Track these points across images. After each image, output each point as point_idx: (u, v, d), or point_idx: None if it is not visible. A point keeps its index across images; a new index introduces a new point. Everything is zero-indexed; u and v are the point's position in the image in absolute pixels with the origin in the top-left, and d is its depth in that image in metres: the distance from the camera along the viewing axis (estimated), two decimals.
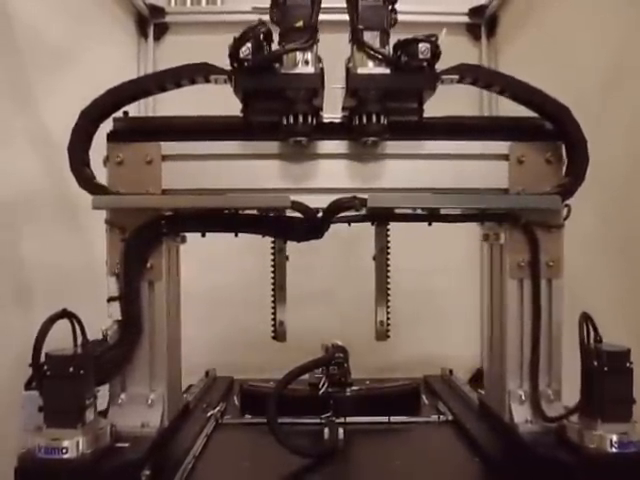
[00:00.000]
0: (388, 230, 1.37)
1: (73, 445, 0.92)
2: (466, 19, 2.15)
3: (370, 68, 1.08)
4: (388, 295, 1.38)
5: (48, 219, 1.49)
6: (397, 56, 1.07)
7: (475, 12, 2.15)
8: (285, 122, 1.10)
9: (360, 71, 1.08)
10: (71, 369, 0.93)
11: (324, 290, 2.03)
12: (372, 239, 1.38)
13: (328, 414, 1.29)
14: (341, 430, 1.21)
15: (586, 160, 1.12)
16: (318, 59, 1.09)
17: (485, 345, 1.42)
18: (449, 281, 2.09)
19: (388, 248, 1.38)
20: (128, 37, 2.08)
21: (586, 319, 1.01)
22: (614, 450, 0.94)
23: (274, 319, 1.39)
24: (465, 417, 1.32)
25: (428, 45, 1.04)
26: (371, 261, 1.39)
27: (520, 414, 1.13)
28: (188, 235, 1.27)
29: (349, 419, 1.29)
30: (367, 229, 1.35)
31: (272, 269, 1.39)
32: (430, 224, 1.21)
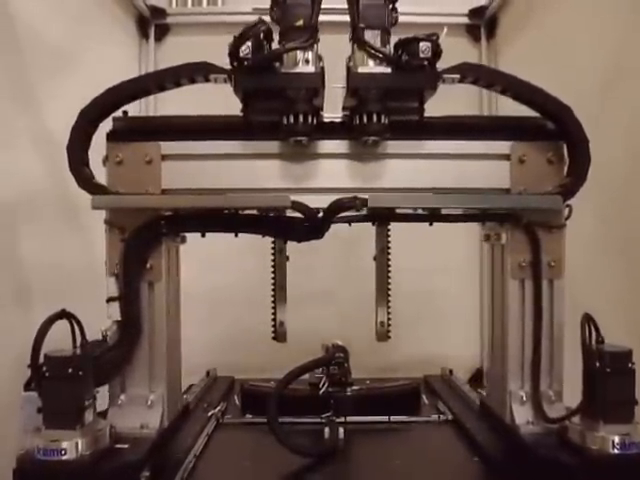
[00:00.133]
0: (389, 230, 1.36)
1: (72, 446, 0.91)
2: (466, 20, 2.15)
3: (371, 67, 1.07)
4: (389, 295, 1.38)
5: (49, 219, 1.49)
6: (398, 55, 1.06)
7: (475, 13, 2.14)
8: (285, 122, 1.09)
9: (361, 70, 1.07)
10: (70, 370, 0.93)
11: (324, 290, 2.02)
12: (373, 239, 1.38)
13: (328, 414, 1.29)
14: (341, 430, 1.20)
15: (588, 160, 1.12)
16: (319, 58, 1.08)
17: (486, 346, 1.42)
18: (449, 281, 2.08)
19: (389, 248, 1.37)
20: (129, 38, 2.08)
21: (588, 320, 1.01)
22: (616, 451, 0.94)
23: (274, 319, 1.39)
24: (465, 417, 1.32)
25: (429, 44, 1.04)
26: (372, 261, 1.39)
27: (521, 415, 1.13)
28: (188, 235, 1.26)
29: (349, 419, 1.29)
30: (368, 229, 1.35)
31: (272, 269, 1.39)
32: (431, 224, 1.20)
